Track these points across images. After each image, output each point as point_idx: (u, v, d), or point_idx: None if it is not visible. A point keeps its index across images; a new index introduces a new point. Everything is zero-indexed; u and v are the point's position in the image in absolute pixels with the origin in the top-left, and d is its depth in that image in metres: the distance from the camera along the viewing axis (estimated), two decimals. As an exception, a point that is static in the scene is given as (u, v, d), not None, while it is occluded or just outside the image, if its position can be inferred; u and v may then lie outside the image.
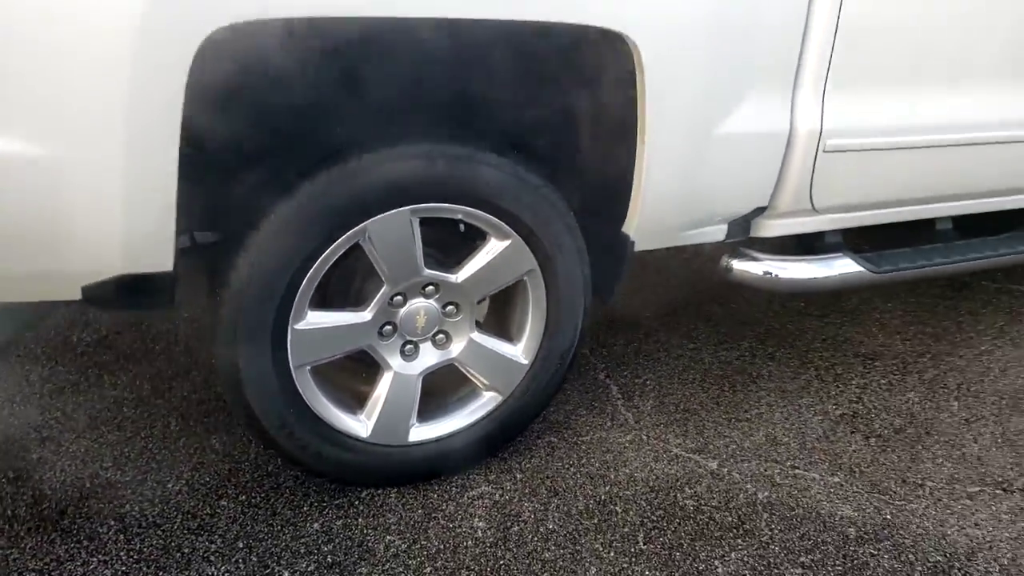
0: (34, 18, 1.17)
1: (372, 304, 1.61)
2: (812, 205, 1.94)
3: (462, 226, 1.62)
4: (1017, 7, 1.94)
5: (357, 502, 1.74)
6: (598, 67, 1.58)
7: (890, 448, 1.97)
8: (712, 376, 2.27)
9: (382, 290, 1.61)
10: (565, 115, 1.66)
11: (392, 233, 1.54)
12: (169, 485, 1.76)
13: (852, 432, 2.03)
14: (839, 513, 1.74)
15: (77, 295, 1.43)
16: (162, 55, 1.22)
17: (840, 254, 2.07)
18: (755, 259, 2.04)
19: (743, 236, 2.00)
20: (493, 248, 1.65)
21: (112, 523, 1.64)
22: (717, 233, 1.96)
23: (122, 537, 1.60)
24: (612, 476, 1.84)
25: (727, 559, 1.60)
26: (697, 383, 2.24)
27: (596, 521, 1.70)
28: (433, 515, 1.71)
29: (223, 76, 1.29)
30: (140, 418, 1.99)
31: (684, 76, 1.59)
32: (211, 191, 1.47)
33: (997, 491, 1.83)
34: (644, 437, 1.99)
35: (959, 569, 1.59)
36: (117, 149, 1.26)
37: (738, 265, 2.04)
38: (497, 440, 1.84)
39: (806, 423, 2.07)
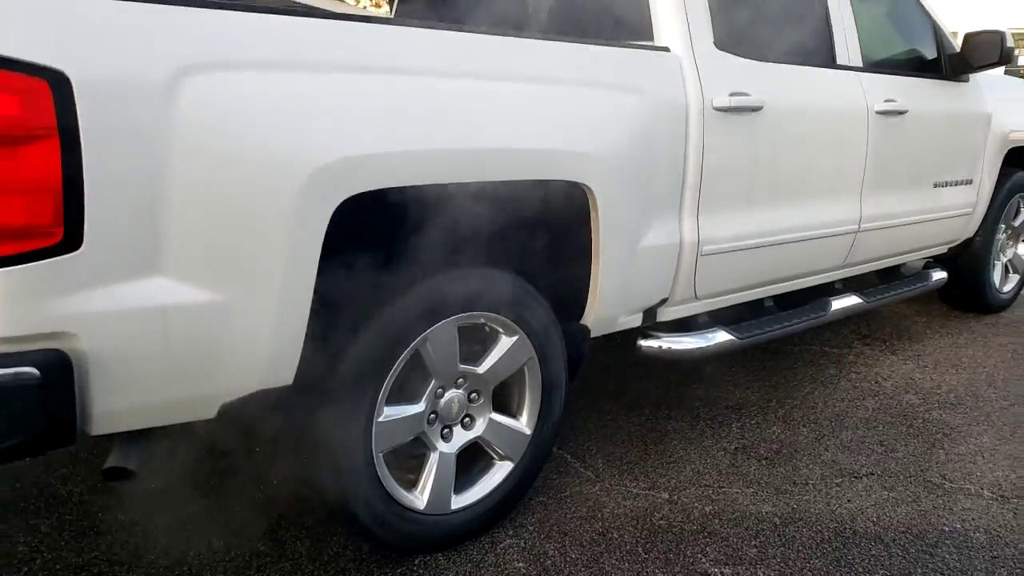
0: (216, 204, 1.58)
1: (424, 397, 2.06)
2: (695, 294, 2.69)
3: (486, 328, 2.14)
4: (821, 153, 2.92)
5: (416, 567, 2.09)
6: (569, 208, 2.22)
7: (777, 463, 2.69)
8: (633, 435, 2.88)
9: (431, 384, 2.06)
10: (546, 242, 2.26)
11: (442, 338, 2.02)
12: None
13: (747, 458, 2.73)
14: (763, 509, 2.39)
15: (212, 414, 1.75)
16: (309, 219, 1.67)
17: (715, 328, 2.83)
18: (657, 338, 2.73)
19: (651, 321, 2.69)
20: (504, 344, 2.18)
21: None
22: (635, 320, 2.63)
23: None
24: (599, 515, 2.35)
25: (706, 552, 2.17)
26: (625, 441, 2.83)
27: (604, 546, 2.20)
28: (481, 567, 2.11)
29: (349, 232, 1.76)
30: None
31: (621, 210, 2.28)
32: (326, 317, 1.86)
33: (854, 479, 2.59)
34: (608, 485, 2.53)
35: (847, 528, 2.29)
36: (271, 292, 1.67)
37: (645, 343, 2.72)
38: (511, 499, 2.29)
39: (713, 457, 2.73)
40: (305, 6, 2.34)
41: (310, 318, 1.75)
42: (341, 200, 1.71)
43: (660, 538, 2.24)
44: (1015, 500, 2.46)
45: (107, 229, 1.46)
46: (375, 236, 1.90)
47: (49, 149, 1.39)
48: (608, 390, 3.28)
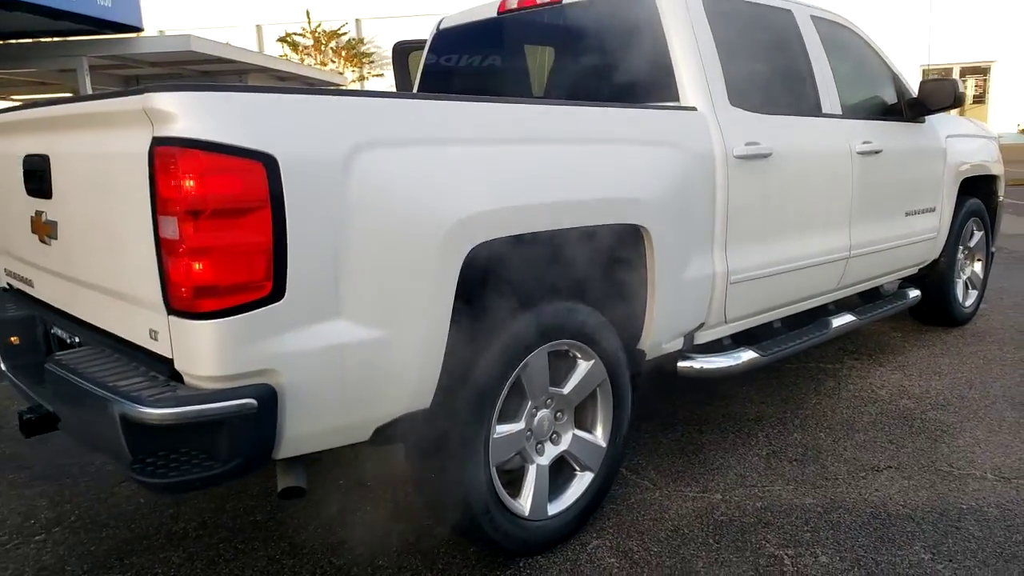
0: (379, 255, 1.89)
1: (523, 416, 2.37)
2: (725, 318, 3.07)
3: (569, 354, 2.47)
4: (818, 191, 3.37)
5: (521, 569, 2.38)
6: (630, 248, 2.59)
7: (806, 463, 3.05)
8: (674, 449, 3.22)
9: (527, 405, 2.38)
10: (613, 277, 2.62)
11: (537, 363, 2.35)
12: None
13: (779, 461, 3.09)
14: (806, 501, 2.75)
15: (367, 437, 2.03)
16: (447, 265, 2.00)
17: (742, 348, 3.21)
18: (693, 359, 3.09)
19: (690, 344, 3.05)
20: (583, 368, 2.51)
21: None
22: (677, 344, 2.99)
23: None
24: (666, 515, 2.68)
25: (768, 539, 2.51)
26: (668, 454, 3.16)
27: (678, 540, 2.52)
28: (578, 564, 2.40)
29: (477, 273, 2.08)
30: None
31: (670, 247, 2.66)
32: (454, 348, 2.15)
33: (876, 471, 2.97)
34: (666, 492, 2.86)
35: (881, 512, 2.65)
36: (420, 328, 1.99)
37: (683, 364, 3.07)
38: (592, 506, 2.60)
39: (750, 462, 3.09)
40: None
41: (445, 350, 2.06)
42: (470, 248, 2.04)
43: (725, 530, 2.57)
44: (1015, 480, 2.86)
45: (303, 281, 1.77)
46: (491, 280, 2.22)
47: (263, 218, 1.70)
48: (640, 412, 3.61)
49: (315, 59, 30.02)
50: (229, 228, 1.68)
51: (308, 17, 30.34)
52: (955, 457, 3.07)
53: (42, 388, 2.33)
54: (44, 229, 2.24)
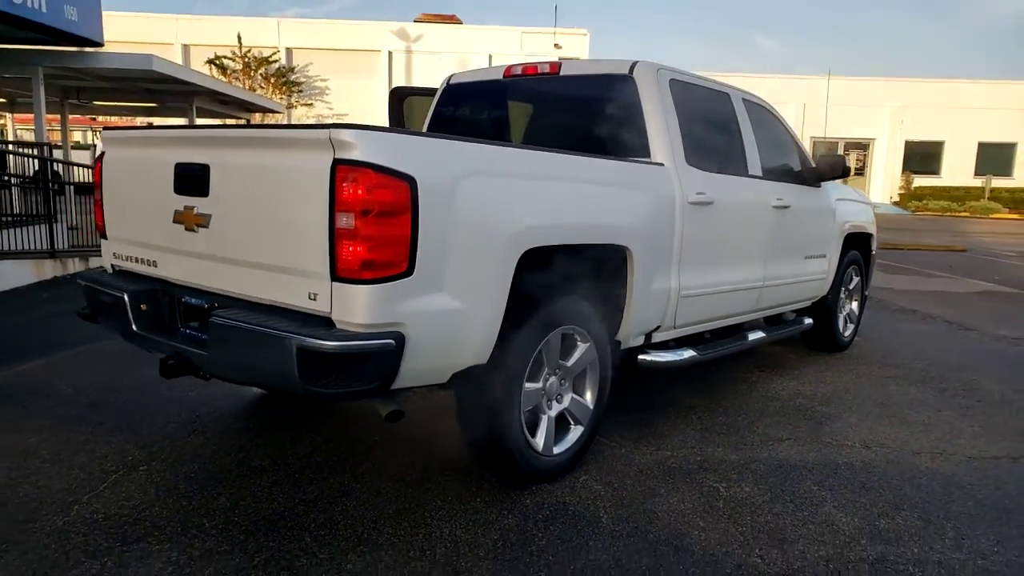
0: (467, 248, 2.75)
1: (541, 379, 3.24)
2: (675, 324, 4.05)
3: (573, 336, 3.36)
4: (744, 233, 4.41)
5: (535, 492, 3.22)
6: (615, 263, 3.53)
7: (730, 435, 4.03)
8: (630, 425, 4.13)
9: (544, 372, 3.26)
10: (604, 284, 3.53)
11: (554, 340, 3.23)
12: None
13: (711, 433, 4.06)
14: (730, 456, 3.71)
15: (445, 380, 2.86)
16: (509, 260, 2.87)
17: (685, 348, 4.18)
18: (649, 353, 4.04)
19: (648, 342, 4.00)
20: (582, 348, 3.41)
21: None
22: (639, 340, 3.93)
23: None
24: (633, 462, 3.58)
25: (706, 478, 3.45)
26: (626, 427, 4.08)
27: (644, 477, 3.42)
28: (575, 489, 3.27)
29: (523, 271, 2.96)
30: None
31: (644, 264, 3.62)
32: (505, 321, 2.99)
33: (779, 441, 3.98)
34: (628, 449, 3.76)
35: (788, 464, 3.64)
36: (488, 302, 2.85)
37: (642, 357, 4.02)
38: (581, 452, 3.48)
39: (688, 434, 4.04)
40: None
41: (501, 323, 2.93)
42: (522, 252, 2.93)
43: (675, 472, 3.50)
44: (874, 448, 3.93)
45: (424, 264, 2.60)
46: (531, 277, 3.09)
47: (406, 219, 2.54)
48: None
49: (243, 84, 30.23)
50: (385, 224, 2.51)
51: (239, 41, 30.60)
52: (834, 434, 4.13)
53: (173, 341, 3.05)
54: (195, 220, 2.97)
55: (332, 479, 3.29)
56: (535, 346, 3.13)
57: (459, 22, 34.19)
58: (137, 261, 3.37)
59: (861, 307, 6.49)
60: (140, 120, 31.54)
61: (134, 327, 3.18)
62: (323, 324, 2.60)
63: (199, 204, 2.95)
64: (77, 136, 33.58)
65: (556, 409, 3.38)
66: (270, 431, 3.86)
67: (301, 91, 31.90)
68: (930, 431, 4.22)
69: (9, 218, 9.57)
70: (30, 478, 3.22)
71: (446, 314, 2.73)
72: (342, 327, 2.57)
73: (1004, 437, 4.18)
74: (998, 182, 33.49)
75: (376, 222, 2.49)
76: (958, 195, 32.85)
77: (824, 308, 5.88)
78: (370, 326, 2.54)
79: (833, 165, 5.26)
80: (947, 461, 3.78)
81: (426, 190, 2.58)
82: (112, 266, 3.56)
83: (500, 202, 2.88)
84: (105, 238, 3.57)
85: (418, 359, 2.67)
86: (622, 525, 2.97)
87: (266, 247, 2.76)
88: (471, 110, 4.83)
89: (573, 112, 4.36)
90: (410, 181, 2.54)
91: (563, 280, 3.28)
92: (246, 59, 30.85)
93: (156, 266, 3.27)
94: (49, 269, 8.66)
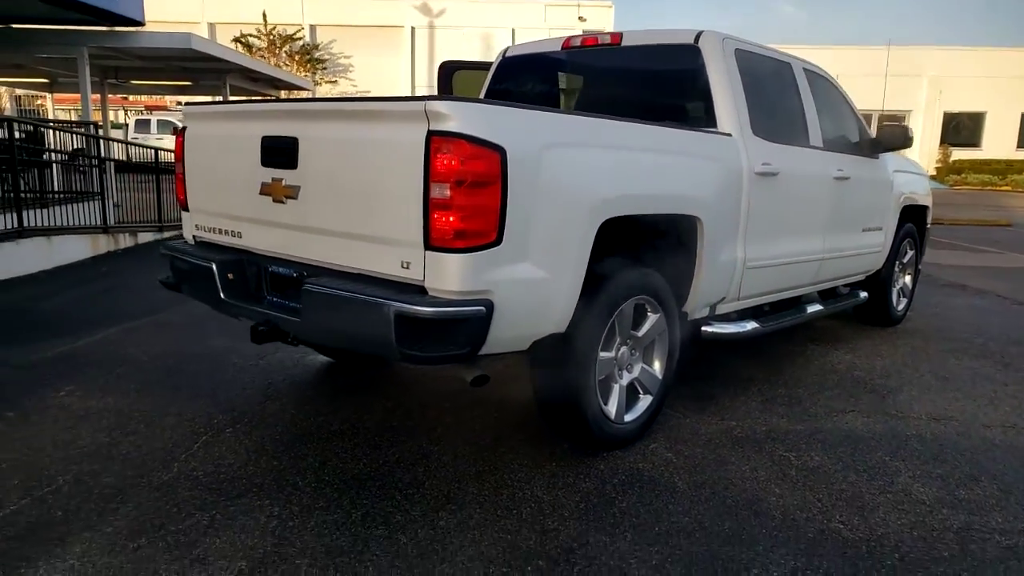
0: (550, 219, 2.80)
1: (614, 349, 3.30)
2: (739, 295, 4.08)
3: (644, 307, 3.41)
4: (806, 205, 4.41)
5: (606, 458, 3.30)
6: (685, 234, 3.56)
7: (792, 406, 4.07)
8: (695, 396, 4.18)
9: (617, 341, 3.31)
10: (672, 254, 3.57)
11: (627, 309, 3.28)
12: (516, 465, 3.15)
13: (772, 404, 4.10)
14: (798, 427, 3.75)
15: (526, 347, 2.93)
16: (589, 230, 2.93)
17: (748, 319, 4.22)
18: (711, 325, 4.08)
19: (712, 314, 4.04)
20: (652, 318, 3.46)
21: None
22: (705, 312, 3.97)
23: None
24: (700, 432, 3.64)
25: (775, 448, 3.50)
26: (691, 398, 4.13)
27: (713, 446, 3.48)
28: (647, 455, 3.34)
29: (606, 239, 3.01)
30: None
31: (713, 235, 3.65)
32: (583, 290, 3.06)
33: (844, 413, 4.01)
34: (695, 420, 3.82)
35: (856, 435, 3.68)
36: (569, 272, 2.91)
37: (706, 329, 4.06)
38: (650, 421, 3.55)
39: (750, 406, 4.08)
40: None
41: (580, 292, 2.99)
42: (601, 221, 2.97)
43: (743, 442, 3.55)
44: (941, 420, 3.95)
45: (511, 233, 2.66)
46: (608, 247, 3.14)
47: (496, 189, 2.59)
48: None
49: (268, 61, 30.38)
50: (477, 194, 2.57)
51: (264, 19, 30.69)
52: (899, 407, 4.15)
53: (261, 308, 3.16)
54: (283, 191, 3.05)
55: (410, 442, 3.39)
56: (609, 316, 3.18)
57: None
58: (221, 232, 3.47)
59: (914, 281, 6.45)
60: (169, 100, 31.93)
61: (222, 295, 3.28)
62: (415, 291, 2.68)
63: (287, 176, 3.03)
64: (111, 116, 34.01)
65: (627, 378, 3.44)
66: (342, 398, 3.97)
67: (325, 68, 31.96)
68: (998, 405, 4.22)
69: (60, 195, 9.81)
70: (128, 438, 3.36)
71: (530, 283, 2.79)
72: (434, 294, 2.65)
73: (1069, 410, 4.18)
74: (1044, 153, 32.70)
75: (469, 192, 2.55)
76: (999, 168, 32.08)
77: (879, 282, 5.86)
78: (462, 293, 2.61)
79: (894, 135, 5.22)
80: (1020, 435, 3.78)
81: (515, 161, 2.63)
82: (194, 237, 3.66)
83: (582, 172, 2.92)
84: (187, 210, 3.67)
85: (504, 326, 2.73)
86: (699, 490, 3.03)
87: (357, 218, 2.83)
88: (527, 82, 4.86)
89: (635, 83, 4.38)
90: (501, 152, 2.59)
91: (637, 250, 3.33)
92: (271, 36, 30.95)
93: (241, 237, 3.37)
94: (103, 244, 8.86)
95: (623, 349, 3.39)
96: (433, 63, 31.90)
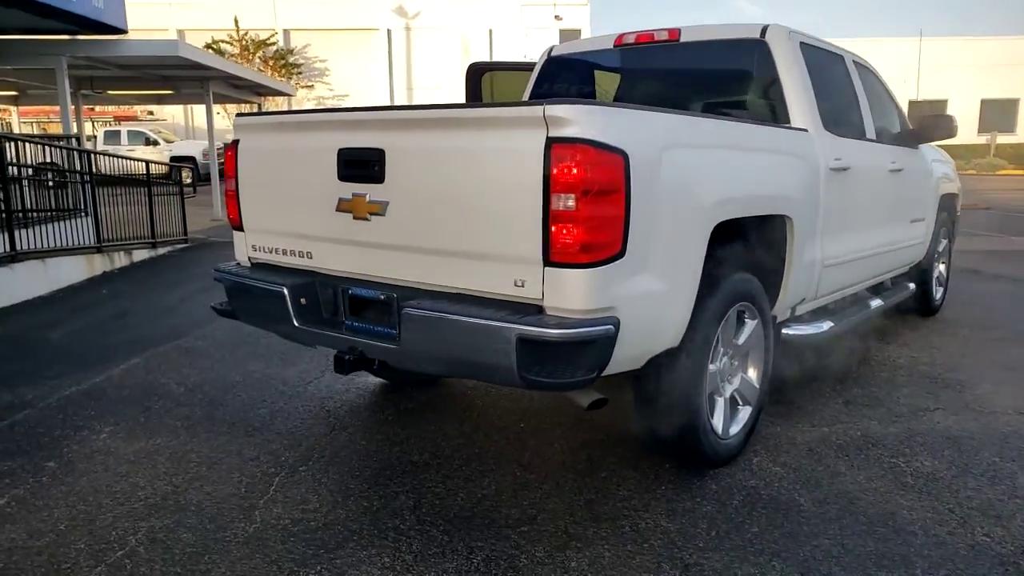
0: (670, 224, 2.60)
1: (718, 360, 3.11)
2: (816, 295, 3.92)
3: (745, 313, 3.23)
4: (871, 198, 4.26)
5: (713, 476, 3.11)
6: (779, 235, 3.38)
7: (876, 407, 3.92)
8: (772, 402, 4.02)
9: (721, 351, 3.12)
10: (765, 256, 3.39)
11: (731, 319, 3.10)
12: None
13: (855, 407, 3.94)
14: (892, 430, 3.60)
15: (640, 365, 2.73)
16: (703, 236, 2.74)
17: (823, 319, 4.06)
18: (790, 327, 3.91)
19: (792, 315, 3.87)
20: (750, 325, 3.28)
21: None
22: (786, 314, 3.80)
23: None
24: (796, 441, 3.47)
25: (880, 453, 3.34)
26: (769, 404, 3.96)
27: (817, 456, 3.31)
28: (756, 471, 3.16)
29: (713, 245, 2.82)
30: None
31: (802, 235, 3.47)
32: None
33: (929, 411, 3.87)
34: (785, 427, 3.64)
35: (955, 434, 3.54)
36: (686, 282, 2.71)
37: (786, 331, 3.89)
38: (750, 432, 3.36)
39: (834, 408, 3.92)
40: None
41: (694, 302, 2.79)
42: (714, 225, 2.78)
43: (845, 449, 3.38)
44: (1031, 414, 3.84)
45: (634, 243, 2.46)
46: (717, 252, 2.95)
47: (620, 197, 2.39)
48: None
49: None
50: (603, 204, 2.36)
51: (236, 25, 30.10)
52: (981, 402, 4.02)
53: (341, 334, 2.91)
54: (367, 208, 2.80)
55: (501, 471, 3.17)
56: (718, 325, 2.99)
57: (456, -5, 33.66)
58: (285, 253, 3.22)
59: (948, 270, 6.37)
60: (139, 110, 31.06)
61: (295, 322, 3.03)
62: (532, 311, 2.46)
63: (371, 191, 2.79)
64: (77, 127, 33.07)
65: (728, 390, 3.25)
66: (410, 423, 3.73)
67: (301, 73, 31.46)
68: (1078, 394, 4.13)
69: (46, 213, 9.36)
70: (194, 484, 3.09)
71: (652, 296, 2.59)
72: (555, 314, 2.43)
73: None
74: (1002, 138, 33.32)
75: (594, 202, 2.34)
76: (961, 152, 32.60)
77: (920, 272, 5.75)
78: (588, 312, 2.40)
79: (938, 126, 5.10)
80: (1112, 425, 3.68)
81: (636, 166, 2.43)
82: (250, 259, 3.40)
83: (697, 174, 2.73)
84: (240, 230, 3.40)
85: (626, 345, 2.52)
86: (825, 507, 2.86)
87: (458, 234, 2.60)
88: (577, 82, 4.65)
89: (697, 80, 4.20)
90: (624, 157, 2.38)
91: (740, 255, 3.15)
92: (243, 42, 30.38)
93: (311, 258, 3.11)
94: (98, 264, 8.46)
95: (725, 359, 3.20)
96: (411, 65, 31.61)
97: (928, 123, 5.15)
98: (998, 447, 3.42)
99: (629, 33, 4.33)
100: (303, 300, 3.06)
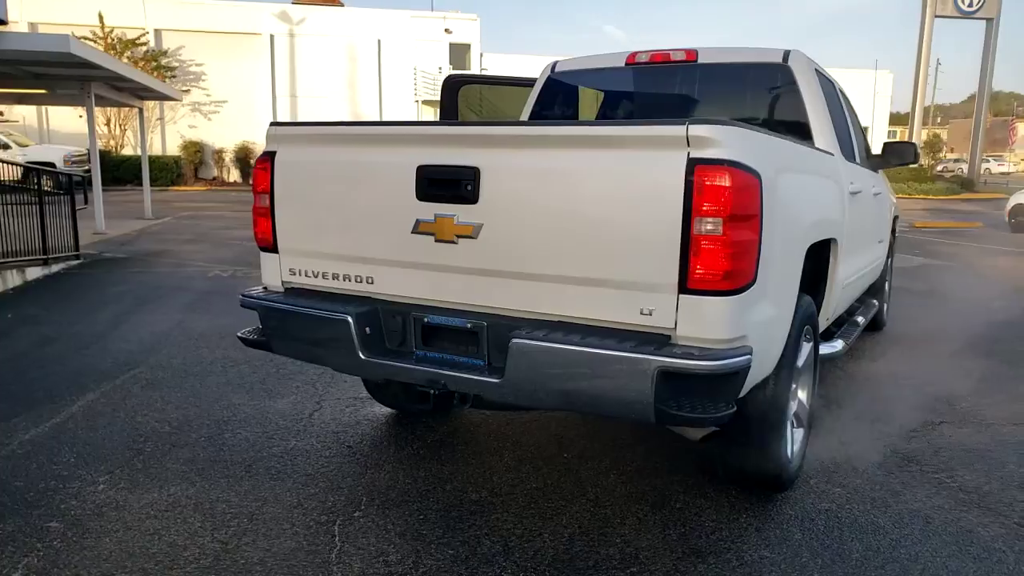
0: (781, 248, 2.56)
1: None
2: (830, 315, 4.01)
3: (805, 335, 3.24)
4: (868, 222, 4.41)
5: (784, 502, 3.09)
6: (826, 256, 3.43)
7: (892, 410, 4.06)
8: (841, 420, 4.06)
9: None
10: (816, 279, 3.41)
11: (802, 342, 3.09)
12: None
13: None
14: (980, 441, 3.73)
15: (744, 392, 2.66)
16: (801, 258, 2.72)
17: (834, 339, 4.16)
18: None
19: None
20: (807, 347, 3.27)
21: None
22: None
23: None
24: (841, 458, 3.51)
25: (939, 466, 3.44)
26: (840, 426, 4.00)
27: (867, 475, 3.36)
28: (821, 494, 3.16)
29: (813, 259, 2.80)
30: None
31: (840, 256, 3.54)
32: None
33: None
34: (823, 446, 3.69)
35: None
36: (790, 303, 2.68)
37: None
38: (803, 452, 3.37)
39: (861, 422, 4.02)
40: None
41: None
42: (807, 248, 2.77)
43: (890, 468, 3.46)
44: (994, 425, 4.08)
45: (763, 269, 2.39)
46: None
47: (756, 222, 2.32)
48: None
49: (108, 68, 27.71)
50: (744, 229, 2.28)
51: (101, 21, 27.98)
52: (975, 414, 4.24)
53: (418, 367, 2.68)
54: (456, 230, 2.57)
55: (572, 506, 3.01)
56: (799, 349, 2.98)
57: (341, 4, 32.89)
58: (335, 278, 2.92)
59: (890, 287, 6.76)
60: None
61: (361, 354, 2.75)
62: (659, 341, 2.34)
63: (461, 212, 2.57)
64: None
65: (790, 412, 3.25)
66: (446, 457, 3.48)
67: (175, 76, 29.65)
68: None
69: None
70: (244, 539, 2.72)
71: (770, 323, 2.54)
72: (688, 344, 2.32)
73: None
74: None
75: (738, 227, 2.26)
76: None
77: (876, 290, 6.06)
78: (727, 342, 2.31)
79: (902, 152, 5.39)
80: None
81: (766, 188, 2.37)
82: (284, 284, 3.07)
83: (797, 199, 2.71)
84: (272, 251, 3.07)
85: (751, 374, 2.46)
86: (906, 528, 2.89)
87: (570, 259, 2.44)
88: (580, 101, 4.57)
89: (716, 102, 4.22)
90: (760, 179, 2.32)
91: (807, 279, 3.15)
92: (109, 40, 28.26)
93: (372, 283, 2.84)
94: (-9, 284, 7.52)
95: (793, 383, 3.19)
96: (295, 72, 30.49)
97: (892, 148, 5.43)
98: (1018, 459, 3.60)
99: (642, 52, 4.30)
100: (368, 329, 2.79)
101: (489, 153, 2.54)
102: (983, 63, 29.98)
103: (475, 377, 2.58)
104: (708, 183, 2.22)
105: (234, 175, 30.06)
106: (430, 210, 2.63)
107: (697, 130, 2.22)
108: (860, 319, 4.91)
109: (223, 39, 30.11)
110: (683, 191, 2.24)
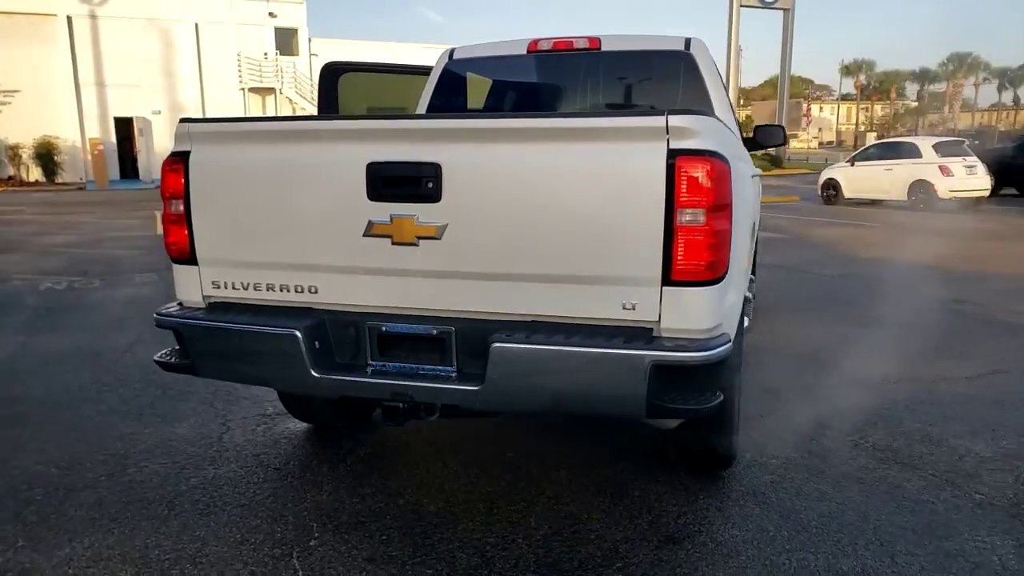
0: (743, 235, 2.62)
1: (726, 363, 3.20)
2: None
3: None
4: (750, 203, 4.63)
5: (729, 476, 3.19)
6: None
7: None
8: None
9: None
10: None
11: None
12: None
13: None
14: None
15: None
16: (749, 241, 2.79)
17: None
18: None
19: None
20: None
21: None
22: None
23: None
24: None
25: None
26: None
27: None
28: (765, 466, 3.30)
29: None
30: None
31: (749, 236, 3.70)
32: None
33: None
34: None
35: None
36: (743, 288, 2.74)
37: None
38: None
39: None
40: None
41: (739, 310, 2.84)
42: (751, 228, 2.85)
43: (818, 432, 3.68)
44: (989, 375, 4.49)
45: (732, 259, 2.43)
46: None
47: (729, 211, 2.34)
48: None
49: None
50: (721, 218, 2.29)
51: None
52: (887, 375, 4.62)
53: (378, 380, 2.51)
54: (417, 231, 2.40)
55: (535, 508, 2.94)
56: (741, 330, 3.07)
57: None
58: (271, 289, 2.66)
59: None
60: None
61: (313, 372, 2.52)
62: (641, 335, 2.32)
63: (422, 212, 2.41)
64: None
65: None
66: (388, 470, 3.28)
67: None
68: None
69: None
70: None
71: (734, 307, 2.59)
72: (672, 336, 2.32)
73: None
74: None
75: (717, 216, 2.27)
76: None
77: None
78: (710, 331, 2.33)
79: (773, 135, 5.72)
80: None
81: (734, 177, 2.40)
82: (206, 299, 2.75)
83: (745, 186, 2.80)
84: (189, 263, 2.74)
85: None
86: (848, 492, 3.08)
87: (546, 256, 2.35)
88: (481, 89, 4.45)
89: (619, 90, 4.25)
90: (731, 169, 2.34)
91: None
92: None
93: (316, 292, 2.61)
94: None
95: (725, 362, 3.30)
96: (100, 57, 27.81)
97: (764, 131, 5.75)
98: (910, 415, 3.95)
99: (544, 39, 4.26)
100: (317, 343, 2.56)
101: (451, 148, 2.39)
102: (783, 50, 32.70)
103: (450, 387, 2.44)
104: (691, 173, 2.21)
105: (35, 174, 27.09)
106: (384, 211, 2.44)
107: (678, 120, 2.20)
108: (750, 294, 5.18)
109: (10, 20, 26.90)
110: (664, 182, 2.22)
